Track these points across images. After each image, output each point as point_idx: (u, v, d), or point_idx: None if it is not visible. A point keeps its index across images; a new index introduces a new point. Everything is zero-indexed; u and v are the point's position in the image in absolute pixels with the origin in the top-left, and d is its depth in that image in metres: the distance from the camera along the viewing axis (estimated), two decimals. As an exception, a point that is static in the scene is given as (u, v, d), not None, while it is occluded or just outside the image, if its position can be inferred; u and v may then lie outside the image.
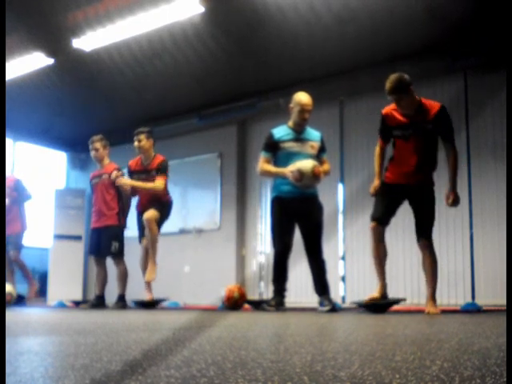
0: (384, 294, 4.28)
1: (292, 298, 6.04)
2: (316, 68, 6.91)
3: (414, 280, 6.44)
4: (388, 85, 4.11)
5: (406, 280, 6.57)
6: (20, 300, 6.47)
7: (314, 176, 4.56)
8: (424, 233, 4.23)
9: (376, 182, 4.38)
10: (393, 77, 4.13)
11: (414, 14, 5.59)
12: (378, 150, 4.45)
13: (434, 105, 4.19)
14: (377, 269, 4.32)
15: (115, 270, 5.94)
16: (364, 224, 7.15)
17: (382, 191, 4.32)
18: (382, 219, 4.27)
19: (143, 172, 5.80)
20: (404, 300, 4.62)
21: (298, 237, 6.42)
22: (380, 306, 4.26)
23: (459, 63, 6.36)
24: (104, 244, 5.92)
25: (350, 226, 7.29)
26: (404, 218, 6.44)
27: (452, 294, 6.28)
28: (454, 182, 4.24)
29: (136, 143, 5.76)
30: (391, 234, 6.82)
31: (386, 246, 4.35)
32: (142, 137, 5.76)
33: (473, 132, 6.43)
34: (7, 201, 6.50)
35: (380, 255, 4.30)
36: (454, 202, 4.27)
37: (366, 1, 5.43)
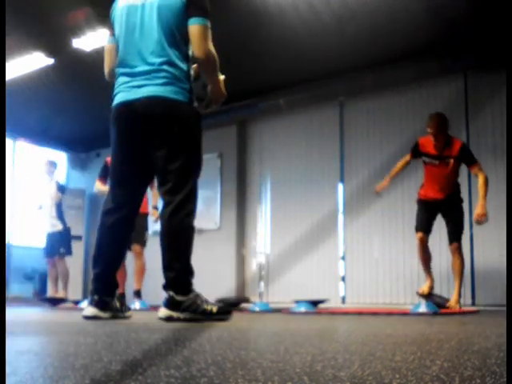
0: (431, 288, 5.04)
1: (292, 298, 6.03)
2: (316, 68, 6.90)
3: (414, 280, 6.44)
4: (434, 124, 4.84)
5: (405, 281, 6.57)
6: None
7: None
8: (454, 238, 4.93)
9: (385, 182, 5.07)
10: (439, 117, 4.90)
11: (413, 14, 5.59)
12: (403, 160, 5.14)
13: (457, 142, 4.95)
14: (425, 270, 5.10)
15: (133, 265, 5.80)
16: (364, 224, 7.15)
17: (420, 206, 5.09)
18: (426, 229, 4.99)
19: None
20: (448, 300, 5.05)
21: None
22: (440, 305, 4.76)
23: (459, 63, 6.36)
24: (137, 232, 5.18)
25: (350, 225, 7.29)
26: (404, 225, 6.45)
27: (452, 293, 6.27)
28: (481, 201, 4.82)
29: None
30: (391, 239, 6.83)
31: (430, 251, 5.01)
32: None
33: (473, 132, 6.42)
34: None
35: (426, 259, 5.04)
36: (480, 218, 4.77)
37: (366, 0, 5.43)
